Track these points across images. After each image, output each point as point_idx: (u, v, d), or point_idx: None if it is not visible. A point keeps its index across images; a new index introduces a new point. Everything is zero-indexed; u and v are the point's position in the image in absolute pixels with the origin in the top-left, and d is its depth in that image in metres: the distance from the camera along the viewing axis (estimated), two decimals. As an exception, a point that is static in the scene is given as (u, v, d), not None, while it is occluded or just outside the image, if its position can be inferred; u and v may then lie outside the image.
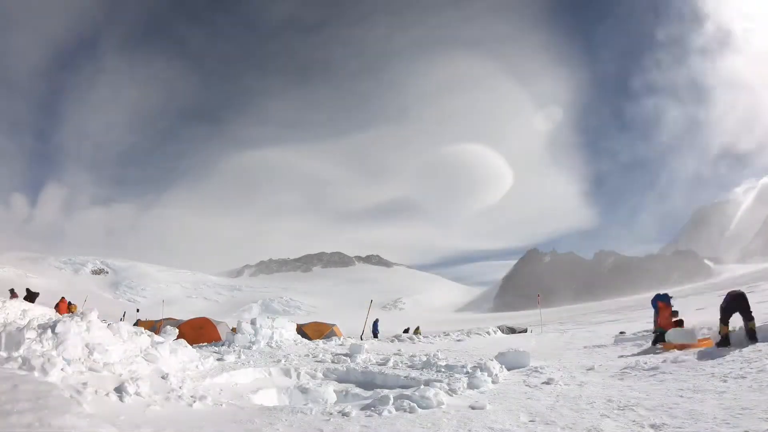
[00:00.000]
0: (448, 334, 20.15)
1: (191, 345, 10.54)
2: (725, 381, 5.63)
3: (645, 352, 9.37)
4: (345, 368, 9.19)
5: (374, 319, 24.80)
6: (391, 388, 7.21)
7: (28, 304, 14.29)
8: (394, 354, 11.45)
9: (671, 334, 9.78)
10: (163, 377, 6.60)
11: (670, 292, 11.79)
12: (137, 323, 19.47)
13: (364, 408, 5.47)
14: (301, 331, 17.76)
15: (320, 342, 15.16)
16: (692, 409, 4.58)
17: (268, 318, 14.60)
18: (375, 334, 23.12)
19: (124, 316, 25.74)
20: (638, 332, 13.13)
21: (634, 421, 4.43)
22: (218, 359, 9.80)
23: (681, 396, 5.24)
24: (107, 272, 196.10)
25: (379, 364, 9.54)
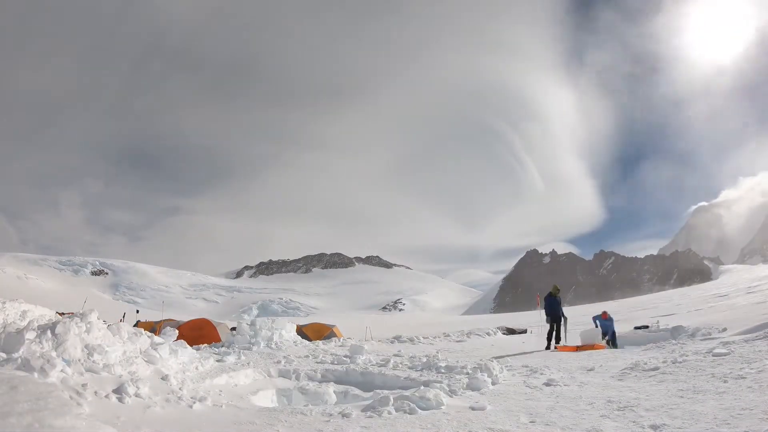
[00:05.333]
0: (447, 335, 20.16)
1: (191, 346, 10.54)
2: (725, 381, 5.62)
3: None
4: (345, 369, 9.17)
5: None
6: (391, 389, 7.19)
7: (28, 305, 14.11)
8: (394, 355, 11.45)
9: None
10: (163, 378, 6.58)
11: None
12: (137, 324, 19.44)
13: (364, 409, 5.45)
14: (301, 332, 17.74)
15: (320, 343, 15.16)
16: (692, 410, 4.58)
17: (267, 319, 14.61)
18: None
19: (124, 317, 25.83)
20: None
21: (634, 421, 4.42)
22: (218, 360, 9.79)
23: (681, 396, 5.23)
24: (107, 273, 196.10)
25: (379, 365, 9.53)
